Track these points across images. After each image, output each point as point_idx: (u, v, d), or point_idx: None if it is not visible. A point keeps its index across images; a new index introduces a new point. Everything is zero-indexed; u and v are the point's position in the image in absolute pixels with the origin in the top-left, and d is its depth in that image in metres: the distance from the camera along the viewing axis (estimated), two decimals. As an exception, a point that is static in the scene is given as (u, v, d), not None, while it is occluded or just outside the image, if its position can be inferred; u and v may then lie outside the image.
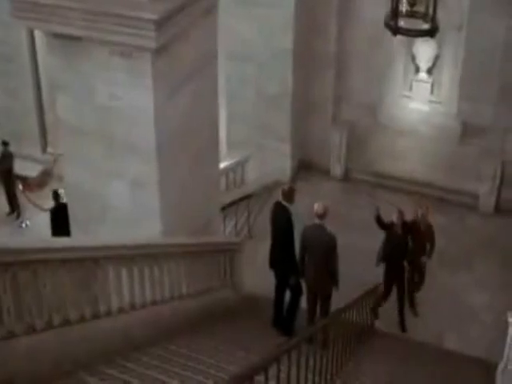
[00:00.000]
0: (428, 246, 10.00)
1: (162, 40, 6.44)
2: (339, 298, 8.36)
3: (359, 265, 10.80)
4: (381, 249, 9.87)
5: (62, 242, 6.10)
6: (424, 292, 10.46)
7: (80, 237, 7.68)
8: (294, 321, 8.99)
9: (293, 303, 9.03)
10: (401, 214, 9.69)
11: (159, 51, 6.58)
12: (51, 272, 5.28)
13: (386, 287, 9.97)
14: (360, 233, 11.68)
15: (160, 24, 6.24)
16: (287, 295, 9.13)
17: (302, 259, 8.65)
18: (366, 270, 10.40)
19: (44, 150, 14.61)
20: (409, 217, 9.96)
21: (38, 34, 13.03)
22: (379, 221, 9.70)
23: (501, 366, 8.25)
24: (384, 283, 9.95)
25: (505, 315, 8.28)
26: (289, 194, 8.71)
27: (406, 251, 9.81)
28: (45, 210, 12.28)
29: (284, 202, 8.70)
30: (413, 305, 10.37)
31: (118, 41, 6.49)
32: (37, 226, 12.45)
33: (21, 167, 13.54)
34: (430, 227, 10.04)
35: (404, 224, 9.70)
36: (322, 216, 8.35)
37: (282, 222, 8.71)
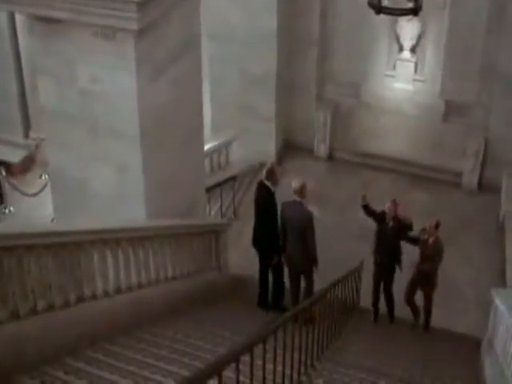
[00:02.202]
0: (437, 258, 9.09)
1: (144, 21, 6.39)
2: (324, 276, 8.40)
3: (344, 243, 10.90)
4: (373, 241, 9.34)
5: (46, 226, 6.09)
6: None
7: (64, 221, 7.66)
8: (282, 299, 9.10)
9: (276, 282, 9.12)
10: (394, 203, 9.01)
11: (142, 33, 6.53)
12: (36, 257, 5.28)
13: (374, 285, 9.52)
14: (345, 212, 11.74)
15: (142, 5, 6.19)
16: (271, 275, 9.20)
17: (282, 235, 8.66)
18: (351, 248, 10.49)
19: (26, 135, 14.48)
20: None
21: (18, 17, 12.88)
22: (367, 209, 9.21)
23: (485, 341, 8.36)
24: (373, 281, 9.52)
25: (489, 291, 8.39)
26: (270, 173, 8.71)
27: (396, 248, 9.14)
28: (28, 196, 12.23)
29: (267, 182, 8.69)
30: (427, 325, 9.59)
31: (100, 23, 6.42)
32: (20, 212, 12.40)
33: (2, 153, 13.44)
34: (438, 242, 9.06)
35: (395, 217, 9.01)
36: (298, 192, 8.38)
37: (264, 201, 8.74)
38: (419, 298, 9.52)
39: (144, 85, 6.90)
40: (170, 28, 7.20)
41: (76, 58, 6.89)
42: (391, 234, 9.03)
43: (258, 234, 8.94)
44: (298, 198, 8.43)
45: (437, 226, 9.01)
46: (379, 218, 9.10)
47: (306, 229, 8.39)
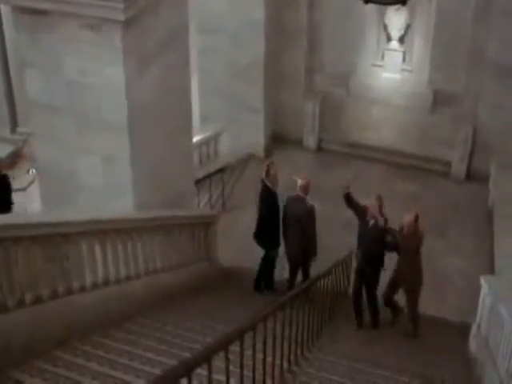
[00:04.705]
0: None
1: (131, 12, 6.36)
2: (314, 266, 8.61)
3: (333, 234, 10.91)
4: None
5: (34, 218, 6.04)
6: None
7: (52, 213, 7.61)
8: (273, 281, 9.47)
9: (268, 268, 9.42)
10: (378, 200, 8.13)
11: (129, 24, 6.50)
12: (23, 249, 5.24)
13: (353, 290, 8.74)
14: (334, 203, 11.73)
15: (129, -5, 6.17)
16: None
17: (284, 228, 8.88)
18: (340, 239, 10.50)
19: (13, 130, 14.39)
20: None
21: (4, 9, 12.78)
22: (349, 199, 8.40)
23: (474, 329, 8.40)
24: (353, 285, 8.82)
25: (478, 279, 8.42)
26: (267, 174, 8.92)
27: (378, 250, 8.25)
28: (16, 191, 12.15)
29: (268, 182, 8.90)
30: (414, 321, 8.63)
31: (86, 13, 6.39)
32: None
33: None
34: (418, 233, 8.28)
35: (379, 216, 8.12)
36: (303, 188, 8.66)
37: (266, 202, 8.96)
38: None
39: (131, 76, 6.87)
40: (158, 18, 7.16)
41: (63, 50, 6.84)
42: (372, 234, 8.18)
43: (260, 229, 9.13)
44: (301, 194, 8.68)
45: (416, 219, 8.18)
46: (360, 212, 8.33)
47: (306, 222, 8.63)
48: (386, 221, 8.20)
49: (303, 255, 8.88)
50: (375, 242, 8.18)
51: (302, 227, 8.64)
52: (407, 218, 8.16)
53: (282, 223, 8.89)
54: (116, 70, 6.75)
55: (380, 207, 8.16)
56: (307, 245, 8.75)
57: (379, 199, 8.19)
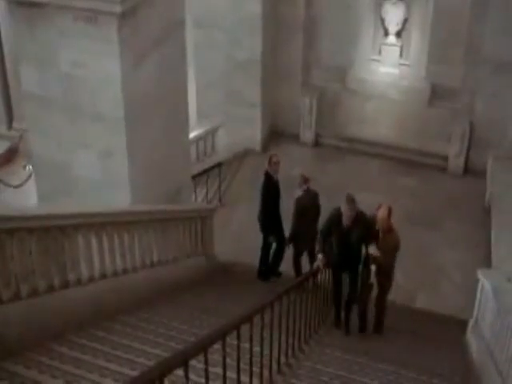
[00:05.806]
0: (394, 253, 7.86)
1: (127, 4, 6.34)
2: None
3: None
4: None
5: (29, 210, 6.01)
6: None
7: (48, 205, 7.58)
8: (278, 266, 9.81)
9: (277, 254, 9.76)
10: (350, 202, 7.32)
11: (125, 16, 6.47)
12: (18, 242, 5.21)
13: (333, 286, 8.05)
14: (331, 198, 11.72)
15: (125, -13, 6.14)
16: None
17: (297, 226, 9.18)
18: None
19: (9, 126, 14.33)
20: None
21: (0, 5, 12.74)
22: (326, 240, 7.66)
23: (471, 322, 8.40)
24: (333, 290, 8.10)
25: (475, 273, 8.42)
26: (268, 162, 9.30)
27: (358, 254, 7.63)
28: (12, 187, 12.14)
29: (270, 170, 9.24)
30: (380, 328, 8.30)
31: (82, 6, 6.36)
32: (4, 203, 12.28)
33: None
34: (394, 234, 7.83)
35: (356, 221, 7.38)
36: (308, 181, 9.18)
37: (267, 188, 9.26)
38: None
39: (128, 69, 6.84)
40: (154, 11, 7.13)
41: (58, 43, 6.81)
42: (353, 238, 7.49)
43: (261, 215, 9.45)
44: (306, 187, 9.18)
45: (389, 214, 7.67)
46: (336, 221, 7.51)
47: (319, 208, 9.18)
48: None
49: (312, 242, 9.11)
50: (355, 247, 7.60)
51: (318, 214, 9.10)
52: (380, 214, 7.66)
53: (295, 215, 9.17)
54: (112, 63, 6.72)
55: (354, 211, 7.36)
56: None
57: (350, 201, 7.35)
